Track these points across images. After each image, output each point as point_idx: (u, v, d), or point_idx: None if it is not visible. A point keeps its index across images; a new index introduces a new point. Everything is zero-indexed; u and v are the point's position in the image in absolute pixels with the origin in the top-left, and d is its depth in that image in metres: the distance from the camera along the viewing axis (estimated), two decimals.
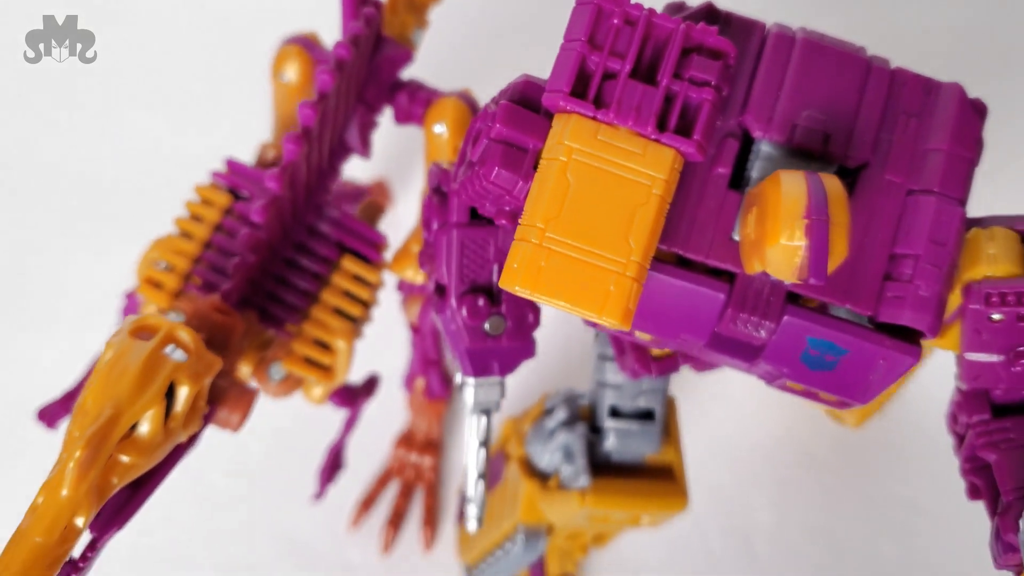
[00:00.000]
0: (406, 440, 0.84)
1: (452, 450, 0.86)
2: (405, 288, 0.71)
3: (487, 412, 0.58)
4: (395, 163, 0.85)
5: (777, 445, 0.87)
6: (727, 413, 0.87)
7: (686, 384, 0.87)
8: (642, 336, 0.52)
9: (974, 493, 0.55)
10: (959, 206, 0.47)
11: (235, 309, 0.57)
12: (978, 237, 0.49)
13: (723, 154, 0.48)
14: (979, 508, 0.82)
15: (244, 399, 0.56)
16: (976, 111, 0.49)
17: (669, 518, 0.66)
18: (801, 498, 0.85)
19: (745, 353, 0.50)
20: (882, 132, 0.49)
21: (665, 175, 0.44)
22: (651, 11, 0.45)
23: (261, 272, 0.60)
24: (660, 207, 0.44)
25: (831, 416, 0.86)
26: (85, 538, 0.51)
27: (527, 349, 0.57)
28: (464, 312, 0.53)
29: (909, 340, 0.47)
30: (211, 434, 0.84)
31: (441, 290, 0.55)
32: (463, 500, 0.81)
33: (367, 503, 0.83)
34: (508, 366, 0.57)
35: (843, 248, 0.42)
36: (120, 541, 0.79)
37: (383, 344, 0.79)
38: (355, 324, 0.63)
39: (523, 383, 0.73)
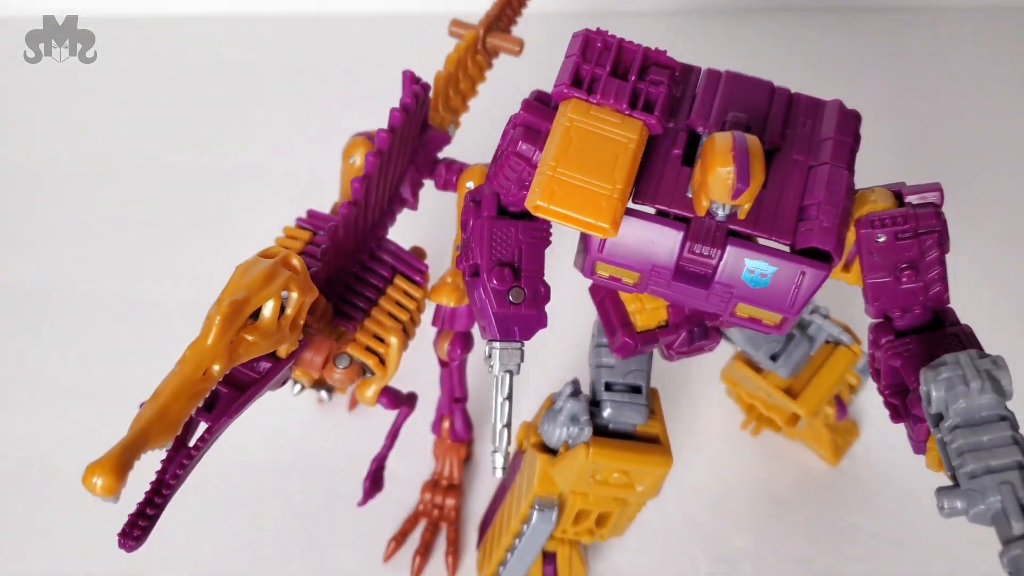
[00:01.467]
0: (432, 485, 0.97)
1: (471, 493, 0.99)
2: (439, 322, 0.88)
3: (509, 372, 0.74)
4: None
5: (747, 489, 1.00)
6: (702, 463, 1.02)
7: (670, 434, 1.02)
8: (628, 279, 0.69)
9: (895, 415, 0.70)
10: (846, 171, 0.67)
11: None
12: (864, 192, 0.68)
13: (677, 141, 0.68)
14: (930, 528, 0.96)
15: (326, 344, 0.72)
16: (853, 115, 0.70)
17: (660, 483, 0.79)
18: (774, 531, 0.97)
19: (702, 282, 0.67)
20: (787, 128, 0.70)
21: (636, 136, 0.64)
22: (622, 39, 0.68)
23: (337, 274, 0.78)
24: (634, 157, 0.64)
25: (815, 452, 1.01)
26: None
27: (541, 318, 0.73)
28: (494, 280, 0.71)
29: (821, 259, 0.66)
30: (266, 489, 0.98)
31: (475, 271, 0.73)
32: (483, 526, 0.94)
33: (399, 539, 0.95)
34: (527, 332, 0.73)
35: (760, 173, 0.62)
36: (176, 570, 0.91)
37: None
38: (404, 327, 0.80)
39: (538, 396, 0.88)
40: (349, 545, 0.95)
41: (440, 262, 0.90)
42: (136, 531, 0.60)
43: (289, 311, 0.65)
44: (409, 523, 0.96)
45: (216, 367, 0.60)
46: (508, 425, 0.73)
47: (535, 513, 0.80)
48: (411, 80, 0.81)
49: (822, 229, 0.65)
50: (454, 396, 0.94)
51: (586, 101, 0.66)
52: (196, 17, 1.61)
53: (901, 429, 1.06)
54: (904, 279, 0.66)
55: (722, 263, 0.66)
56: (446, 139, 0.88)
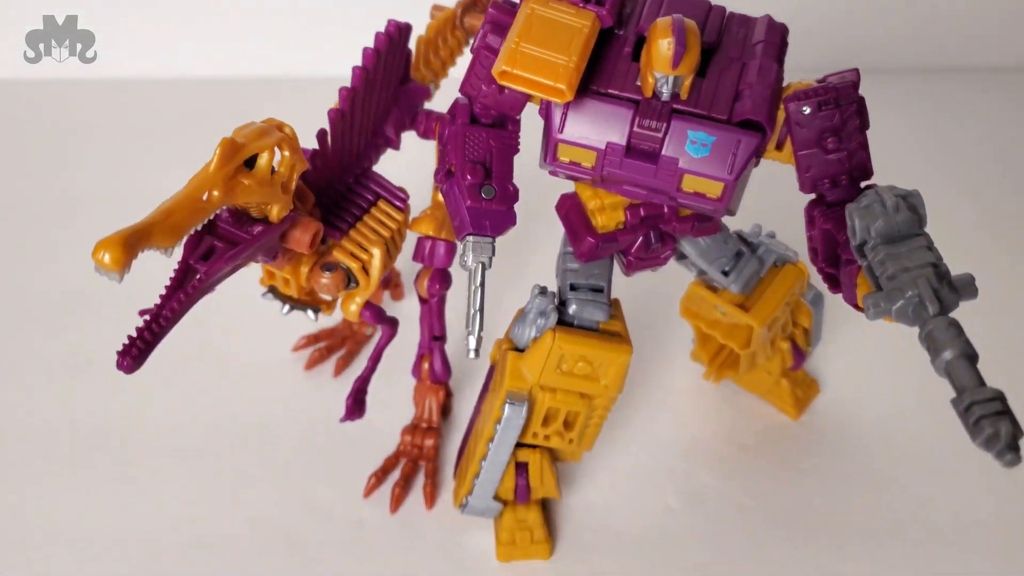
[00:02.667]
0: (411, 428, 1.02)
1: (448, 443, 1.04)
2: (420, 257, 0.95)
3: (482, 264, 0.80)
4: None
5: (713, 438, 1.05)
6: (670, 419, 1.07)
7: (637, 395, 1.07)
8: (585, 161, 0.77)
9: (833, 284, 0.77)
10: (775, 63, 0.77)
11: None
12: (791, 82, 0.77)
13: (627, 41, 0.78)
14: (889, 469, 1.01)
15: (312, 225, 0.79)
16: (781, 26, 0.80)
17: (623, 375, 0.84)
18: (740, 471, 1.01)
19: (651, 158, 0.75)
20: (723, 36, 0.80)
21: (589, 23, 0.74)
22: None
23: (325, 186, 0.85)
24: (587, 39, 0.73)
25: (778, 407, 1.06)
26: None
27: (511, 215, 0.80)
28: (467, 175, 0.79)
29: (754, 129, 0.74)
30: (251, 445, 1.02)
31: (450, 173, 0.81)
32: (458, 457, 0.98)
33: (379, 475, 0.98)
34: (497, 227, 0.80)
35: (696, 45, 0.71)
36: (166, 515, 0.95)
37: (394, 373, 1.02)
38: (385, 243, 0.88)
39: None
40: (330, 486, 0.98)
41: (422, 206, 0.98)
42: (134, 350, 0.66)
43: (282, 169, 0.73)
44: (389, 462, 1.00)
45: (216, 192, 0.67)
46: (481, 310, 0.79)
47: (507, 407, 0.85)
48: (395, 23, 0.92)
49: (754, 103, 0.74)
50: (433, 334, 1.00)
51: None
52: (208, 80, 1.74)
53: (860, 387, 1.13)
54: (829, 145, 0.74)
55: (668, 136, 0.74)
56: (427, 92, 0.98)
